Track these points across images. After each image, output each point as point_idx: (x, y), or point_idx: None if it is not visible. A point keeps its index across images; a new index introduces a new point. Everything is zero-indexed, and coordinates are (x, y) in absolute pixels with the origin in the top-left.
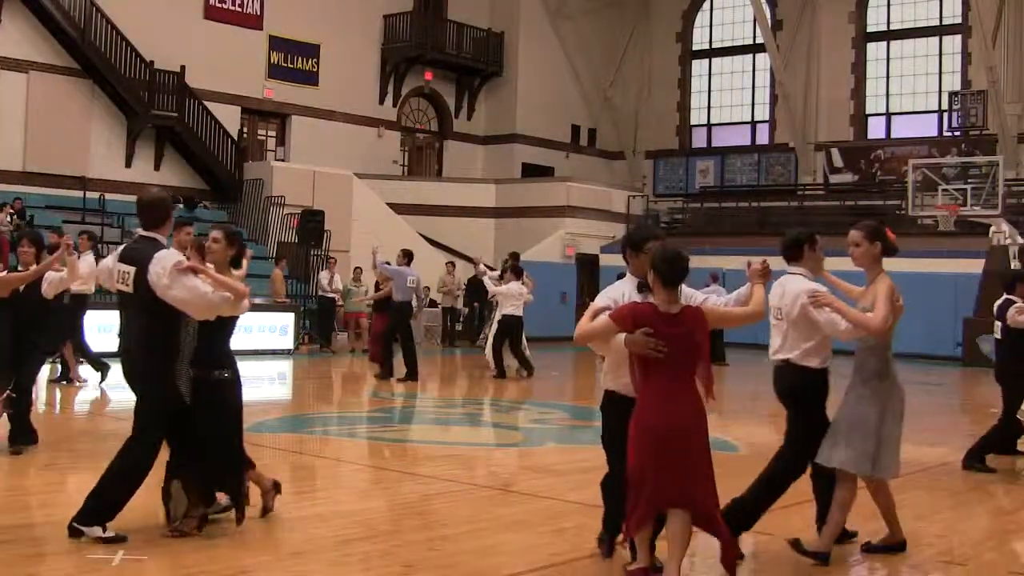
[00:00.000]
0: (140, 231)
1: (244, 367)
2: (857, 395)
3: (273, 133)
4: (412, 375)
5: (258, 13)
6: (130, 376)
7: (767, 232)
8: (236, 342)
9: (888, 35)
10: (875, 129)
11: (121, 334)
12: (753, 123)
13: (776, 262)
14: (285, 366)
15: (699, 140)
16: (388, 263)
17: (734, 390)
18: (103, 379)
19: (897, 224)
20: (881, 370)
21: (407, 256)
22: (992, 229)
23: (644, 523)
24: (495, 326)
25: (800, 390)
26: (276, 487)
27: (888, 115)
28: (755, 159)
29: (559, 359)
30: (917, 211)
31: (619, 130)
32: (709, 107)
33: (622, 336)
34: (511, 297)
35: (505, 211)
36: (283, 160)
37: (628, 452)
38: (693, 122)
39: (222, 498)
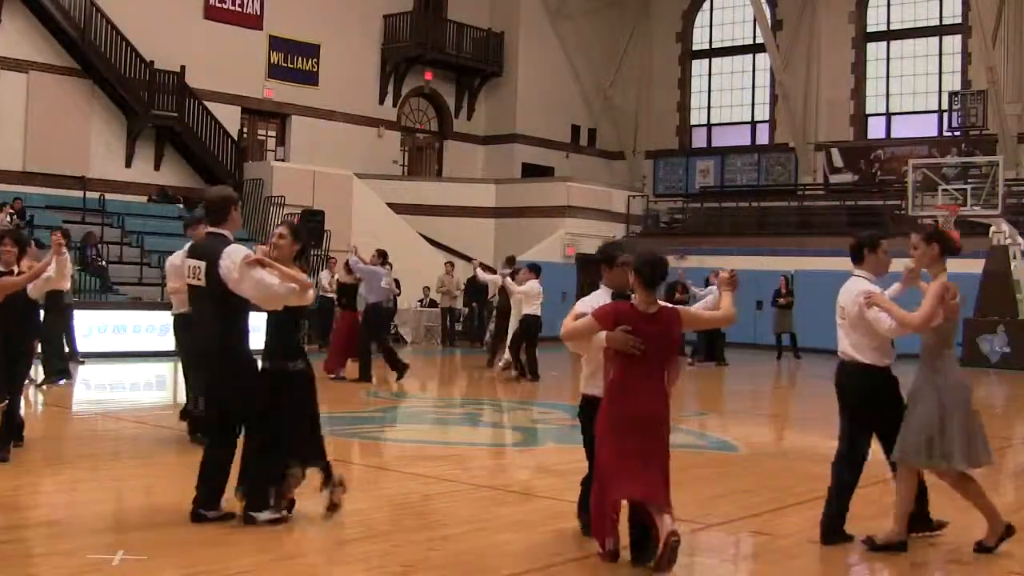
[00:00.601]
0: (207, 228)
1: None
2: (915, 389)
3: (273, 133)
4: (398, 370)
5: (258, 13)
6: (208, 367)
7: (767, 232)
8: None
9: (888, 35)
10: (875, 129)
11: (194, 326)
12: (753, 123)
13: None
14: None
15: (699, 140)
16: (363, 261)
17: (734, 390)
18: (55, 382)
19: (897, 224)
20: (938, 365)
21: (382, 256)
22: (992, 229)
23: (610, 527)
24: (516, 326)
25: (860, 387)
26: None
27: (888, 115)
28: (755, 159)
29: (559, 359)
30: (917, 211)
31: (619, 130)
32: (709, 107)
33: (602, 335)
34: (532, 296)
35: (505, 211)
36: (283, 160)
37: (596, 448)
38: (693, 122)
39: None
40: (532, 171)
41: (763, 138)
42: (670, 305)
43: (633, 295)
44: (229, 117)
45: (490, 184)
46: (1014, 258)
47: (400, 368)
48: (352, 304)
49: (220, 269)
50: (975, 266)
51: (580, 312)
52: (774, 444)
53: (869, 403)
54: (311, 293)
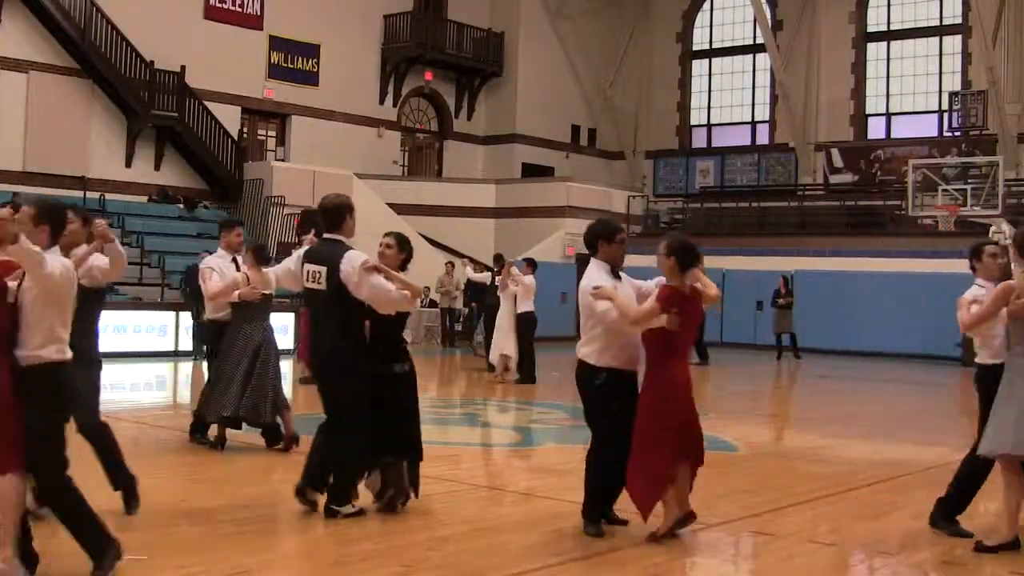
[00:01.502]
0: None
1: None
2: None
3: (273, 133)
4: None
5: (258, 13)
6: (323, 369)
7: (767, 232)
8: None
9: (888, 35)
10: (875, 129)
11: (313, 329)
12: (753, 123)
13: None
14: (285, 366)
15: (699, 140)
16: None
17: (734, 390)
18: None
19: (897, 224)
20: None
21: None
22: (992, 229)
23: (667, 484)
24: (508, 322)
25: (977, 383)
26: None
27: (888, 115)
28: (755, 159)
29: (560, 359)
30: (917, 211)
31: (619, 130)
32: (709, 107)
33: (662, 316)
34: (531, 291)
35: (505, 211)
36: (283, 160)
37: (650, 420)
38: (693, 122)
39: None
40: (532, 171)
41: (763, 138)
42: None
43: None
44: (229, 117)
45: (490, 184)
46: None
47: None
48: None
49: (340, 273)
50: None
51: (611, 291)
52: (774, 444)
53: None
54: (417, 301)
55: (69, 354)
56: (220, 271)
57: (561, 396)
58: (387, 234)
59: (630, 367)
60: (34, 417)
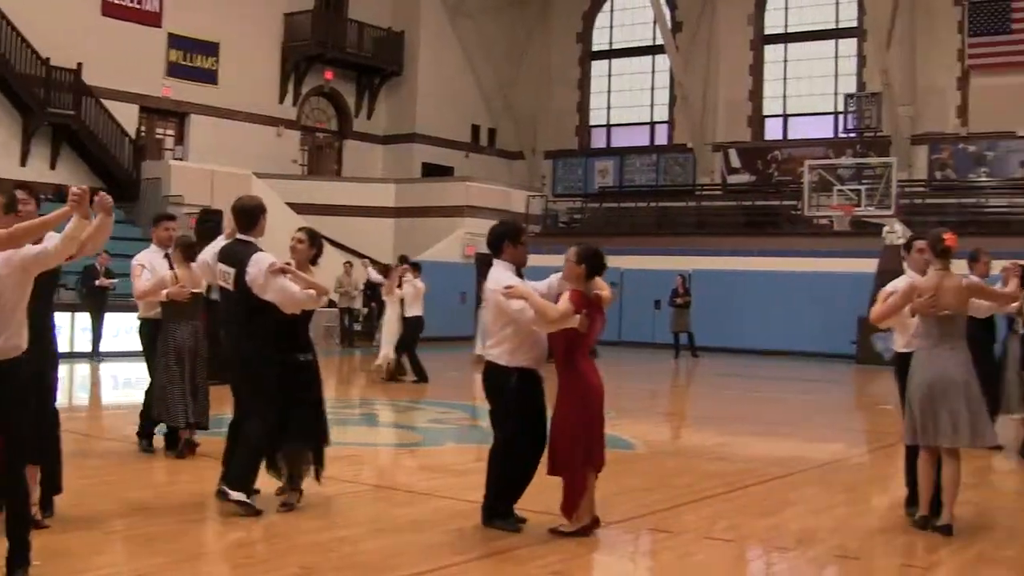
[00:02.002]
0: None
1: (138, 368)
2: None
3: (172, 132)
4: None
5: (157, 10)
6: (232, 361)
7: (665, 232)
8: (134, 342)
9: (785, 38)
10: (772, 130)
11: (221, 324)
12: (652, 124)
13: None
14: None
15: (598, 140)
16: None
17: (633, 389)
18: None
19: (793, 224)
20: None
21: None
22: (886, 229)
23: (588, 484)
24: (402, 327)
25: (895, 372)
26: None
27: (785, 116)
28: (654, 159)
29: (458, 359)
30: (813, 211)
31: (519, 130)
32: (609, 107)
33: (575, 316)
34: (420, 295)
35: (405, 211)
36: (181, 159)
37: (567, 417)
38: (592, 122)
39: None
40: (432, 171)
41: (662, 139)
42: (542, 287)
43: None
44: (127, 116)
45: (390, 184)
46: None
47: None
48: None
49: (247, 276)
50: (869, 265)
51: (532, 290)
52: (671, 442)
53: None
54: (324, 298)
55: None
56: (151, 267)
57: (460, 396)
58: (299, 229)
59: (538, 367)
60: (27, 413)
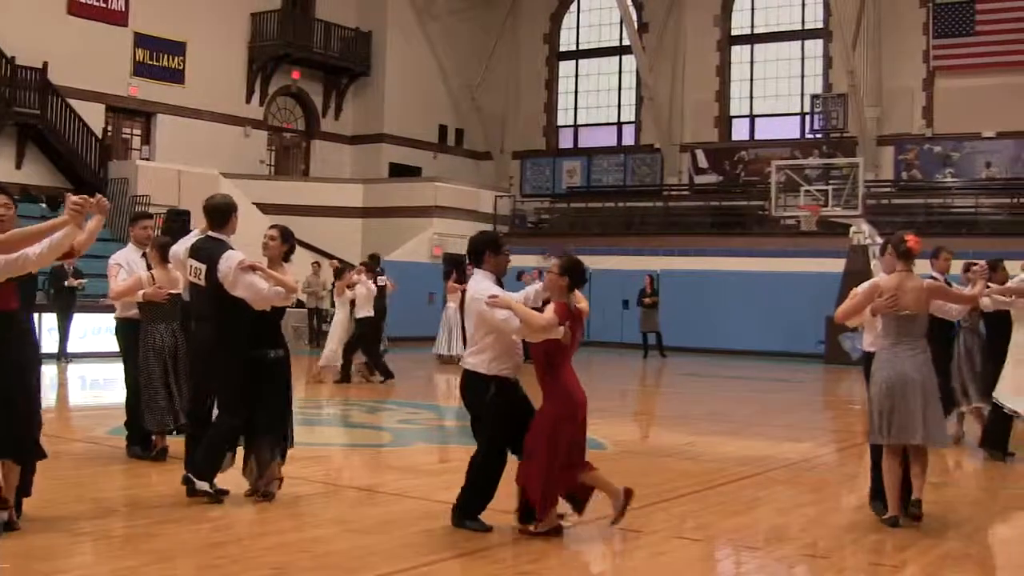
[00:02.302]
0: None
1: (107, 369)
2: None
3: (138, 132)
4: None
5: (123, 9)
6: (202, 355)
7: (633, 232)
8: (102, 343)
9: (752, 39)
10: (739, 131)
11: (193, 319)
12: (619, 124)
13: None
14: None
15: (566, 141)
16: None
17: (602, 388)
18: None
19: (761, 224)
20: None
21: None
22: (853, 229)
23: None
24: (346, 328)
25: (864, 370)
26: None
27: (752, 117)
28: (621, 160)
29: (426, 359)
30: (780, 212)
31: (486, 130)
32: (576, 108)
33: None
34: (371, 297)
35: (372, 211)
36: (148, 159)
37: (547, 429)
38: (560, 123)
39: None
40: (399, 171)
41: (629, 139)
42: (524, 296)
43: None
44: (93, 115)
45: (357, 184)
46: (874, 257)
47: None
48: None
49: (218, 272)
50: (836, 265)
51: (508, 300)
52: (641, 442)
53: None
54: (293, 296)
55: None
56: (128, 266)
57: (428, 397)
58: (272, 226)
59: (516, 375)
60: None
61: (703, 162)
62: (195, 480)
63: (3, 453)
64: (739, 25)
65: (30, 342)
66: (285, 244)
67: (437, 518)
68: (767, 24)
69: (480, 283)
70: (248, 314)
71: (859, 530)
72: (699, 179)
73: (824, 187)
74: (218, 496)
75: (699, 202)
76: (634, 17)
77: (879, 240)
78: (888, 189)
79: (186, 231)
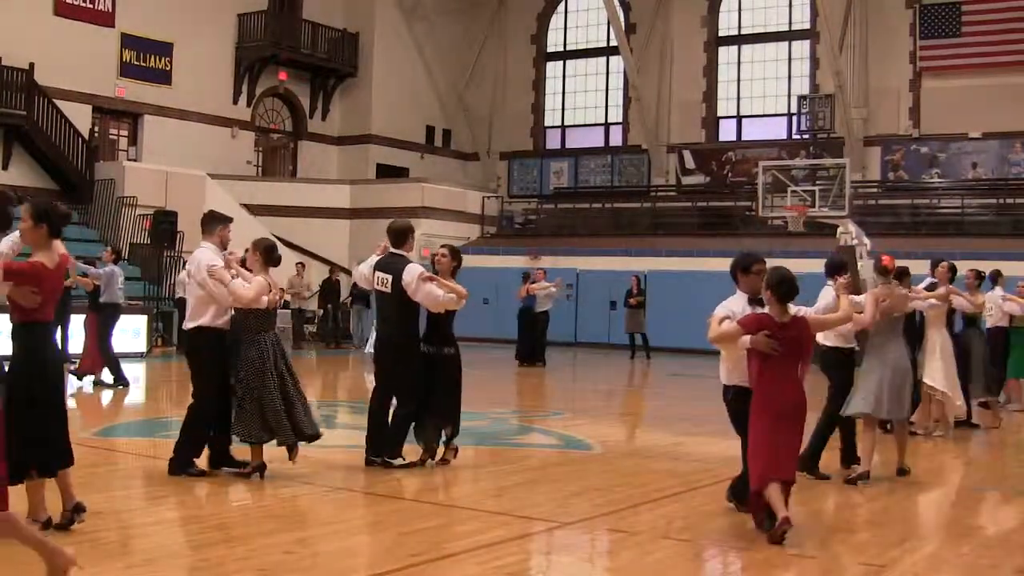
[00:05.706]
0: (391, 248)
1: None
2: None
3: (125, 133)
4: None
5: (110, 10)
6: (385, 352)
7: (620, 233)
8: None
9: (739, 39)
10: (726, 131)
11: (380, 322)
12: (606, 125)
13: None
14: (138, 369)
15: (553, 141)
16: (92, 265)
17: (589, 389)
18: None
19: (748, 225)
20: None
21: (116, 254)
22: (840, 230)
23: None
24: None
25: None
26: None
27: (739, 118)
28: (608, 160)
29: None
30: (767, 212)
31: (474, 131)
32: (563, 109)
33: (746, 338)
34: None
35: (360, 212)
36: (135, 160)
37: (749, 430)
38: (547, 123)
39: None
40: (387, 172)
41: (616, 140)
42: (800, 314)
43: (767, 306)
44: (80, 116)
45: (345, 185)
46: (860, 258)
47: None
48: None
49: (402, 281)
50: (823, 266)
51: (722, 316)
52: (627, 443)
53: None
54: (463, 302)
55: None
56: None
57: None
58: (442, 245)
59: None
60: None
61: (690, 163)
62: (391, 461)
63: (68, 462)
64: (726, 26)
65: (56, 349)
66: (454, 261)
67: (425, 518)
68: (754, 25)
69: (728, 304)
70: (418, 313)
71: (846, 530)
72: (686, 180)
73: (811, 188)
74: (412, 464)
75: (686, 203)
76: (621, 18)
77: (866, 241)
78: (875, 190)
79: (172, 232)
